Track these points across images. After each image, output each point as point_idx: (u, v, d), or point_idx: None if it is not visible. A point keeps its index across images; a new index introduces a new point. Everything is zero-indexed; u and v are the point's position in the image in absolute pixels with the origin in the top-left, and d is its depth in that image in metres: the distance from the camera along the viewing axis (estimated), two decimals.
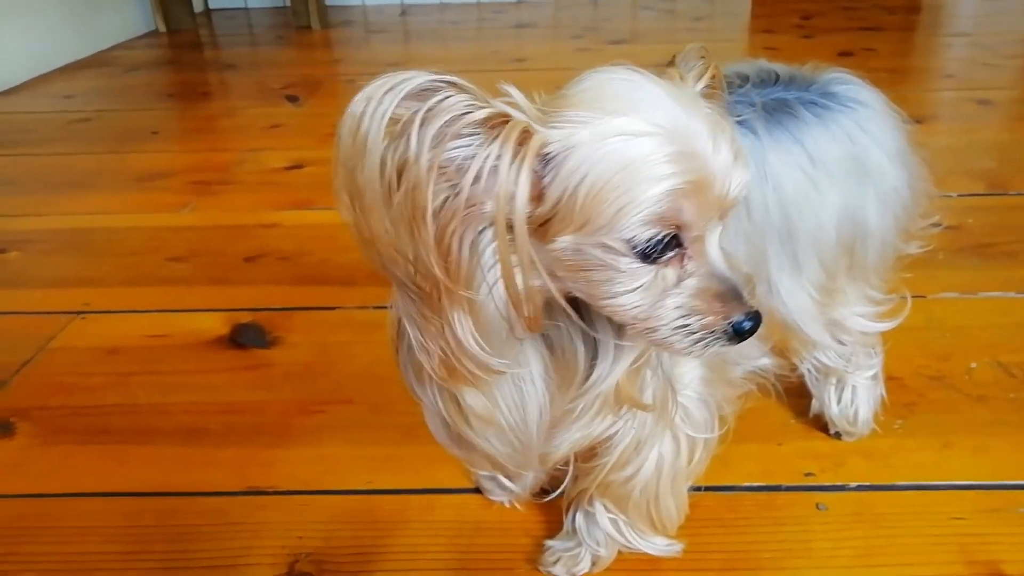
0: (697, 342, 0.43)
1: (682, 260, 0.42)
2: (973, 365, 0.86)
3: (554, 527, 0.66)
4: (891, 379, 0.78)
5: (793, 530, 0.66)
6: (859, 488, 0.70)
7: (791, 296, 0.60)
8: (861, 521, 0.67)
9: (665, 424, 0.53)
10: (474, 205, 0.39)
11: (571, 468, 0.60)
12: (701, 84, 0.46)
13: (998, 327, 0.93)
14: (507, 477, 0.68)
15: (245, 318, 1.00)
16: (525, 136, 0.39)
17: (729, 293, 0.42)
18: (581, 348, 0.48)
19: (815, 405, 0.77)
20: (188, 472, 0.75)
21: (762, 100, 0.58)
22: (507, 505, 0.69)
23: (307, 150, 1.54)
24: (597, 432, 0.52)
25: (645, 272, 0.41)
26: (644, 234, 0.40)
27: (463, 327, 0.42)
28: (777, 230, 0.57)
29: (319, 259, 1.15)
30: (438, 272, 0.39)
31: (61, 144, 1.68)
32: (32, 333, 0.98)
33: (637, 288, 0.42)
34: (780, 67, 0.63)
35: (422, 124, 0.37)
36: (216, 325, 0.99)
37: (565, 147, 0.39)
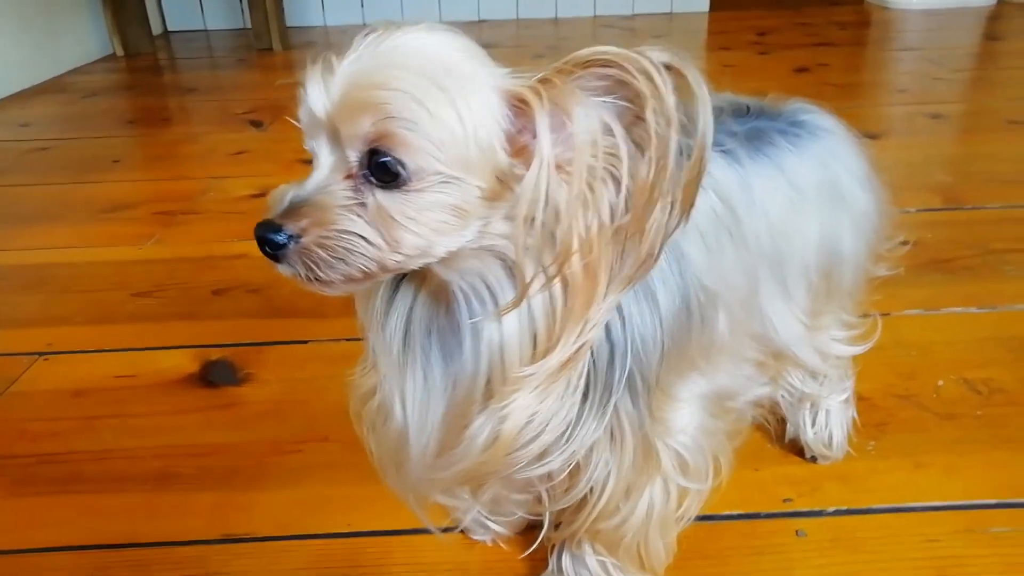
0: None
1: None
2: (940, 383, 0.88)
3: (538, 566, 0.66)
4: (861, 399, 0.79)
5: (775, 559, 0.67)
6: (836, 513, 0.71)
7: (783, 323, 0.61)
8: (840, 547, 0.68)
9: (651, 472, 0.53)
10: None
11: (546, 513, 0.59)
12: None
13: (962, 343, 0.96)
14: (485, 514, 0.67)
15: (215, 355, 0.98)
16: None
17: (272, 204, 0.43)
18: (464, 352, 0.47)
19: (790, 430, 0.78)
20: (162, 520, 0.73)
21: (741, 129, 0.59)
22: (490, 544, 0.69)
23: (273, 177, 1.53)
24: (510, 468, 0.49)
25: None
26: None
27: None
28: (768, 257, 0.58)
29: (288, 291, 1.13)
30: None
31: (18, 175, 1.65)
32: None
33: None
34: (748, 99, 0.65)
35: None
36: (185, 363, 0.97)
37: None
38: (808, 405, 0.75)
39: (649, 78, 0.38)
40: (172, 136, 1.91)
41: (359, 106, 0.40)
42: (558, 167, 0.40)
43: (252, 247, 1.31)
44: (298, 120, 0.43)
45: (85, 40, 2.59)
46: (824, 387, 0.73)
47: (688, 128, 0.39)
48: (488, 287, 0.45)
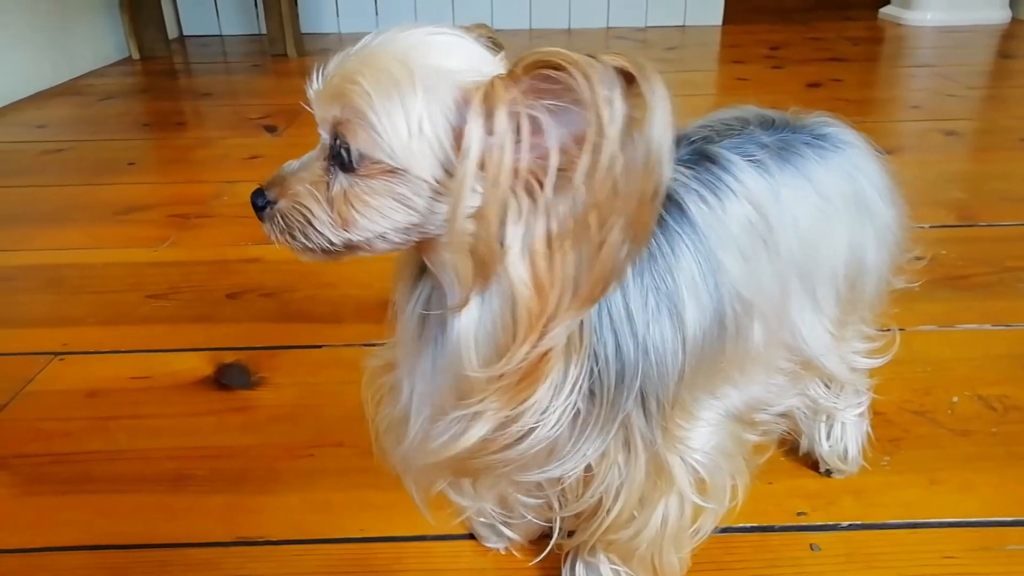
0: None
1: None
2: (955, 399, 0.88)
3: (551, 574, 0.66)
4: (876, 415, 0.79)
5: (788, 572, 0.67)
6: (851, 527, 0.71)
7: (812, 332, 0.61)
8: (855, 562, 0.67)
9: (663, 489, 0.53)
10: None
11: (557, 519, 0.60)
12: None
13: (976, 360, 0.96)
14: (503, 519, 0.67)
15: (229, 358, 0.99)
16: None
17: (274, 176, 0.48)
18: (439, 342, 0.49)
19: (804, 442, 0.77)
20: (176, 522, 0.73)
21: (771, 140, 0.59)
22: (503, 552, 0.69)
23: None
24: (501, 468, 0.49)
25: None
26: None
27: None
28: (798, 266, 0.58)
29: (303, 295, 1.14)
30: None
31: (34, 176, 1.66)
32: (8, 376, 0.96)
33: None
34: (772, 112, 0.65)
35: None
36: (199, 365, 0.97)
37: None
38: (823, 418, 0.75)
39: (591, 84, 0.35)
40: (187, 140, 1.92)
41: (330, 95, 0.44)
42: (482, 167, 0.40)
43: (266, 251, 1.33)
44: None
45: (101, 43, 2.62)
46: (840, 400, 0.73)
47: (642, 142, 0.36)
48: (459, 282, 0.45)
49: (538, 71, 0.38)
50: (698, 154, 0.55)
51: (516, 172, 0.39)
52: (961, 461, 0.79)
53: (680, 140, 0.50)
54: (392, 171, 0.43)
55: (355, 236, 0.46)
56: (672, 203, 0.51)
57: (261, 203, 0.48)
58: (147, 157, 1.83)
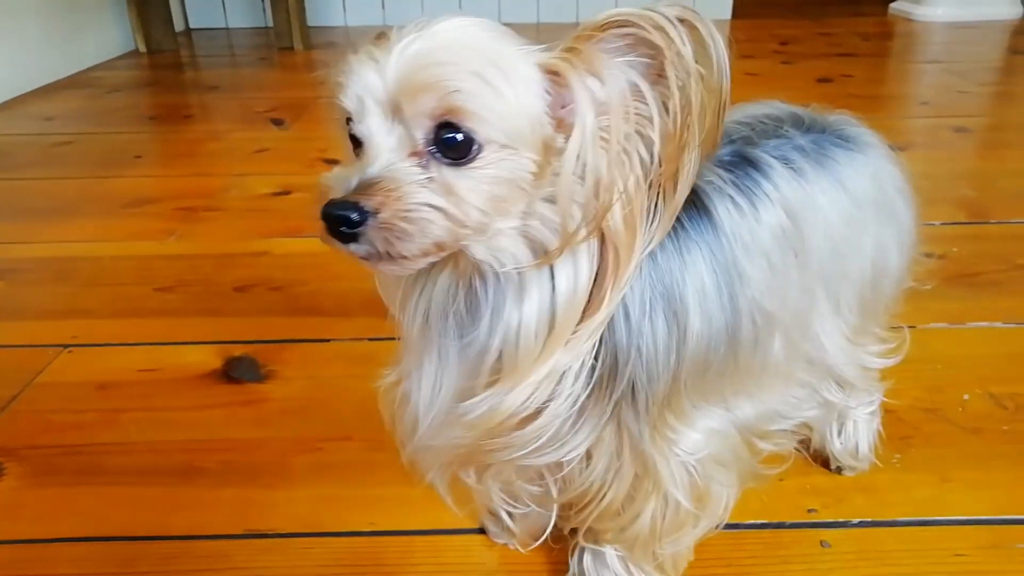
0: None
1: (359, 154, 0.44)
2: (966, 397, 0.87)
3: (559, 569, 0.66)
4: (887, 412, 0.78)
5: (799, 569, 0.66)
6: (861, 524, 0.71)
7: (831, 340, 0.60)
8: (865, 559, 0.67)
9: (649, 488, 0.53)
10: None
11: (555, 506, 0.60)
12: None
13: (988, 358, 0.95)
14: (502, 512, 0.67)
15: (238, 351, 0.99)
16: None
17: (334, 184, 0.42)
18: (479, 338, 0.48)
19: (815, 439, 0.77)
20: (186, 514, 0.73)
21: (805, 142, 0.58)
22: (511, 547, 0.69)
23: (294, 175, 1.54)
24: (506, 452, 0.49)
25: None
26: (342, 120, 0.45)
27: None
28: (825, 274, 0.57)
29: (311, 289, 1.14)
30: None
31: (42, 168, 1.66)
32: (18, 368, 0.96)
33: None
34: (800, 110, 0.64)
35: None
36: (208, 358, 0.98)
37: None
38: (835, 416, 0.74)
39: (663, 32, 0.40)
40: (194, 133, 1.92)
41: (424, 84, 0.41)
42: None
43: (274, 245, 1.32)
44: (341, 107, 0.44)
45: (108, 36, 2.62)
46: (852, 398, 0.73)
47: (707, 76, 0.41)
48: (517, 268, 0.46)
49: (608, 31, 0.41)
50: (739, 156, 0.54)
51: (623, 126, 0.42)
52: (972, 459, 0.78)
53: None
54: (507, 154, 0.42)
55: (467, 230, 0.43)
56: (698, 208, 0.50)
57: (359, 218, 0.40)
58: (154, 150, 1.83)
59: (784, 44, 2.72)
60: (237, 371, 0.95)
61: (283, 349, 0.99)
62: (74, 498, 0.76)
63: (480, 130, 0.41)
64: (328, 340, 1.01)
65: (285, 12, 2.69)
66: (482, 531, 0.70)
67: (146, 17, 2.66)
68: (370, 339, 0.99)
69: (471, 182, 0.42)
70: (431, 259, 0.44)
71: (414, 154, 0.42)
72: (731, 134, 0.57)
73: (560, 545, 0.66)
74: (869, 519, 0.71)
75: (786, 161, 0.55)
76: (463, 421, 0.48)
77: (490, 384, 0.47)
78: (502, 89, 0.41)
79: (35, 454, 0.82)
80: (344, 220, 0.41)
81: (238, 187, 1.52)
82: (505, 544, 0.69)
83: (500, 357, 0.47)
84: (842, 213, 0.57)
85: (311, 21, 2.85)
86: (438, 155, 0.42)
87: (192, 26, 3.11)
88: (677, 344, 0.49)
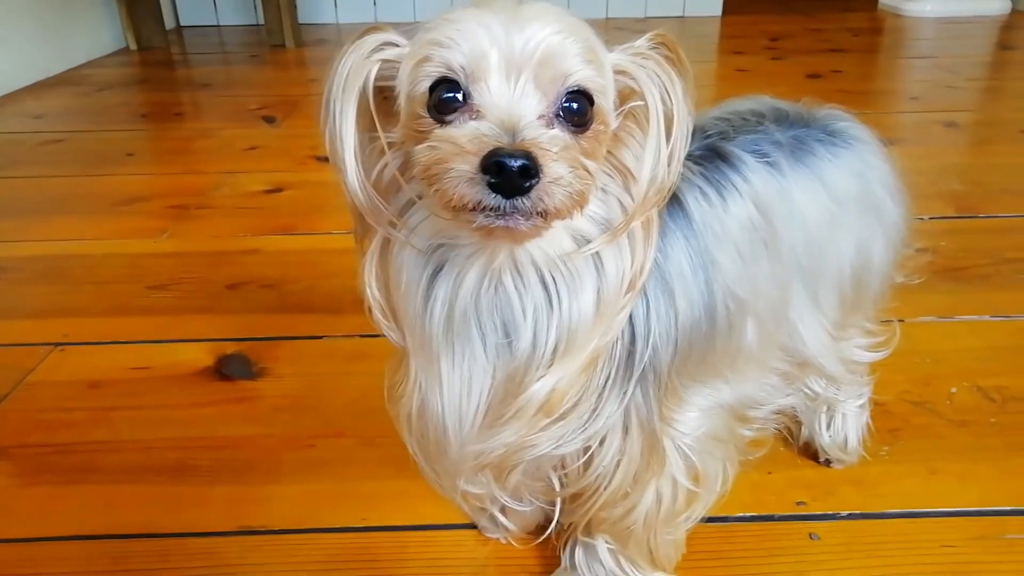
0: (460, 182, 0.39)
1: (471, 116, 0.41)
2: (954, 390, 0.88)
3: (551, 563, 0.66)
4: (875, 405, 0.79)
5: (788, 561, 0.67)
6: (850, 517, 0.71)
7: (811, 334, 0.61)
8: (854, 551, 0.68)
9: (655, 470, 0.53)
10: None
11: (559, 502, 0.60)
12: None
13: (975, 351, 0.96)
14: (501, 511, 0.67)
15: (230, 348, 0.99)
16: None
17: (493, 136, 0.39)
18: (521, 330, 0.47)
19: (804, 432, 0.78)
20: (178, 512, 0.73)
21: (785, 138, 0.59)
22: (503, 542, 0.69)
23: (286, 173, 1.54)
24: (542, 446, 0.49)
25: (437, 130, 0.42)
26: (424, 84, 0.42)
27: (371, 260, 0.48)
28: (802, 269, 0.58)
29: (303, 286, 1.14)
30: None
31: (32, 166, 1.65)
32: (9, 366, 0.96)
33: (431, 146, 0.41)
34: (786, 104, 0.64)
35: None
36: (200, 356, 0.98)
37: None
38: (824, 408, 0.75)
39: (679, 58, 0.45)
40: (185, 131, 1.92)
41: (563, 52, 0.41)
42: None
43: (266, 243, 1.32)
44: (428, 70, 0.42)
45: (99, 33, 2.61)
46: (841, 392, 0.73)
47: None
48: (564, 257, 0.47)
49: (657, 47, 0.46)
50: (710, 150, 0.55)
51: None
52: (960, 451, 0.79)
53: (695, 132, 0.50)
54: (600, 129, 0.44)
55: (588, 199, 0.44)
56: (672, 198, 0.51)
57: (535, 170, 0.38)
58: (145, 148, 1.82)
59: (774, 40, 2.72)
60: (229, 368, 0.95)
61: (275, 346, 0.99)
62: (66, 497, 0.76)
63: (598, 103, 0.43)
64: (320, 337, 1.01)
65: (276, 9, 2.68)
66: (474, 526, 0.70)
67: (137, 14, 2.65)
68: (362, 336, 0.99)
69: (587, 149, 0.43)
70: (549, 229, 0.43)
71: (541, 117, 0.41)
72: (708, 129, 0.58)
73: (560, 540, 0.66)
74: (858, 511, 0.72)
75: (761, 155, 0.55)
76: (520, 416, 0.47)
77: (539, 378, 0.47)
78: (607, 71, 0.44)
79: (26, 453, 0.82)
80: (524, 170, 0.38)
81: (230, 185, 1.51)
82: (497, 539, 0.69)
83: (555, 349, 0.47)
84: (819, 209, 0.58)
85: (302, 19, 2.84)
86: (563, 121, 0.42)
87: (183, 23, 3.10)
88: (676, 320, 0.50)
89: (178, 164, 1.70)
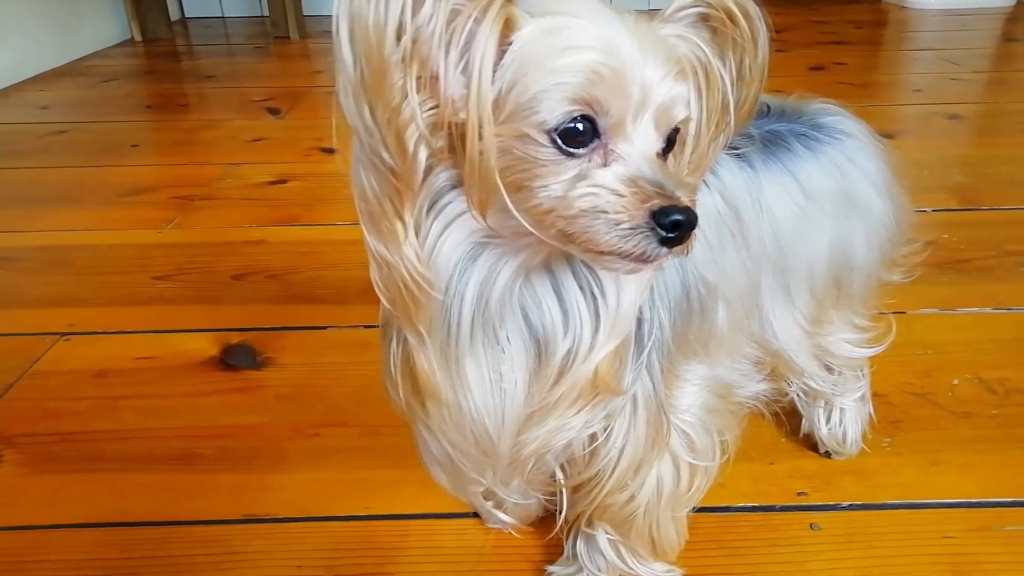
0: (621, 232, 0.39)
1: (604, 155, 0.40)
2: (955, 382, 0.88)
3: (553, 552, 0.67)
4: (876, 396, 0.79)
5: (789, 551, 0.67)
6: (851, 507, 0.72)
7: (782, 327, 0.61)
8: (854, 541, 0.68)
9: (660, 447, 0.54)
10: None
11: (565, 491, 0.60)
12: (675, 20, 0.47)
13: (977, 343, 0.96)
14: (497, 505, 0.67)
15: (235, 338, 0.99)
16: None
17: (652, 185, 0.39)
18: (559, 321, 0.46)
19: (805, 425, 0.78)
20: (184, 500, 0.74)
21: (758, 132, 0.59)
22: (506, 531, 0.70)
23: (291, 164, 1.54)
24: (574, 428, 0.49)
25: (564, 162, 0.39)
26: (557, 111, 0.38)
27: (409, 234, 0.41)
28: (772, 262, 0.58)
29: (308, 277, 1.14)
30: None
31: (38, 157, 1.66)
32: (15, 355, 0.97)
33: (557, 182, 0.39)
34: (770, 98, 0.65)
35: None
36: (205, 346, 0.98)
37: (518, 36, 0.39)
38: (822, 403, 0.75)
39: (732, 14, 0.45)
40: (190, 122, 1.92)
41: (680, 98, 0.42)
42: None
43: (271, 233, 1.32)
44: (576, 105, 0.39)
45: (104, 24, 2.61)
46: (838, 387, 0.73)
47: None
48: None
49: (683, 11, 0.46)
50: None
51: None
52: (961, 443, 0.79)
53: None
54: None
55: None
56: None
57: (695, 223, 0.39)
58: (150, 139, 1.83)
59: (777, 32, 2.67)
60: (234, 358, 0.96)
61: (280, 336, 1.00)
62: (72, 485, 0.77)
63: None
64: (324, 327, 1.02)
65: (280, 1, 2.68)
66: (476, 515, 0.71)
67: (142, 6, 2.65)
68: (366, 326, 0.99)
69: None
70: None
71: (658, 155, 0.42)
72: None
73: (565, 531, 0.66)
74: (859, 502, 0.72)
75: (731, 149, 0.55)
76: (562, 401, 0.47)
77: (583, 360, 0.46)
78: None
79: (32, 442, 0.83)
80: (691, 225, 0.39)
81: (234, 176, 1.52)
82: (499, 528, 0.70)
83: (597, 330, 0.46)
84: (789, 204, 0.58)
85: (307, 10, 2.84)
86: (664, 151, 0.42)
87: (187, 15, 3.10)
88: (668, 299, 0.51)
89: (183, 155, 1.70)
